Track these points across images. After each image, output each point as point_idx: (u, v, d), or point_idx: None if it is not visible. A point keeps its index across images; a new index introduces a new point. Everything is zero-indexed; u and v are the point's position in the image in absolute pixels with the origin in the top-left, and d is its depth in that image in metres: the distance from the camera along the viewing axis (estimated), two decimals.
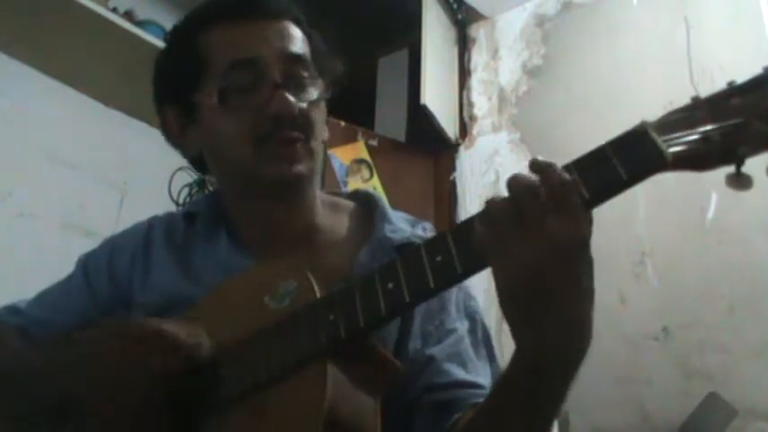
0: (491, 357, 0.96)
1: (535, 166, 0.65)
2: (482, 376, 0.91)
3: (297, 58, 0.96)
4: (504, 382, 0.74)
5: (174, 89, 0.99)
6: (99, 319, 0.98)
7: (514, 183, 0.64)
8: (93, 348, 0.83)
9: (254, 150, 0.92)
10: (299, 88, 0.95)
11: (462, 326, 0.95)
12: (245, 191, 0.99)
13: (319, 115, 0.97)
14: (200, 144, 0.99)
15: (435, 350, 0.90)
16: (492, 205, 0.65)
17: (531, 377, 0.70)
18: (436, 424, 0.86)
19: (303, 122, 0.93)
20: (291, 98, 0.92)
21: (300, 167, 0.93)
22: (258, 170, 0.93)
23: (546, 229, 0.62)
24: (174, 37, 1.02)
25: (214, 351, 0.82)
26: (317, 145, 0.96)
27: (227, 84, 0.92)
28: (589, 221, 0.65)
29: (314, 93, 0.96)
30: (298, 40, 0.97)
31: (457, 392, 0.87)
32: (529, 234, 0.63)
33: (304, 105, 0.93)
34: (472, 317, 0.98)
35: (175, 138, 1.02)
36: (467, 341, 0.94)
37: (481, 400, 0.84)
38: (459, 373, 0.89)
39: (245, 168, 0.94)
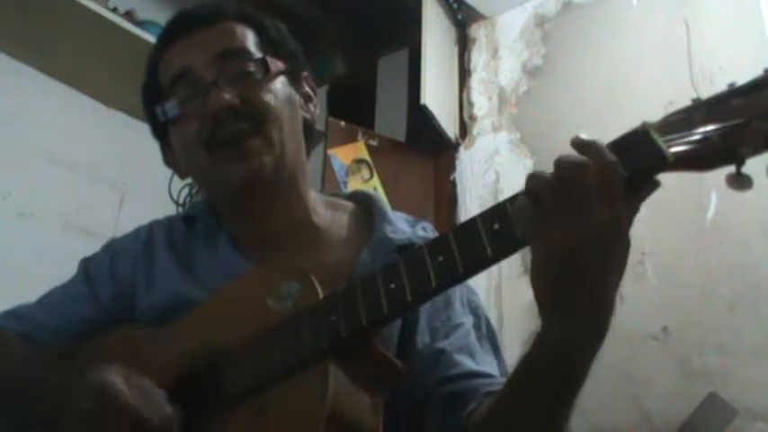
0: (496, 352, 0.97)
1: (579, 143, 0.64)
2: (489, 367, 0.92)
3: (230, 53, 0.96)
4: (528, 363, 0.74)
5: (151, 118, 1.03)
6: (101, 324, 0.98)
7: (563, 163, 0.63)
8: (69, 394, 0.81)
9: (208, 155, 0.94)
10: (239, 79, 0.95)
11: (468, 320, 0.96)
12: (223, 198, 1.01)
13: (275, 97, 0.96)
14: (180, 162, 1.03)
15: (444, 344, 0.91)
16: (537, 184, 0.64)
17: (555, 357, 0.70)
18: (451, 416, 0.86)
19: (249, 111, 0.93)
20: (226, 93, 0.92)
21: (253, 161, 0.93)
22: (218, 175, 0.95)
23: (591, 214, 0.62)
24: (145, 72, 1.06)
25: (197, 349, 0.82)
26: (276, 130, 0.95)
27: (170, 99, 0.96)
28: (634, 209, 0.65)
29: (259, 77, 0.95)
30: (232, 37, 0.98)
31: (470, 383, 0.88)
32: (573, 217, 0.62)
33: (245, 94, 0.93)
34: (476, 312, 0.99)
35: (168, 163, 1.08)
36: (473, 335, 0.95)
37: (494, 388, 0.85)
38: (469, 364, 0.90)
39: (208, 175, 0.97)
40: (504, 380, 0.87)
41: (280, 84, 0.98)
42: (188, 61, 0.96)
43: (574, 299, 0.65)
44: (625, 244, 0.66)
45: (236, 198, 0.98)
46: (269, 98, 0.95)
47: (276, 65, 0.98)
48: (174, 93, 0.97)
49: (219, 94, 0.92)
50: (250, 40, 1.00)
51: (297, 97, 1.02)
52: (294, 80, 1.03)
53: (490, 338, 0.98)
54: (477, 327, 0.97)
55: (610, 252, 0.64)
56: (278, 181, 0.96)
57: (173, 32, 1.01)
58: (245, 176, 0.93)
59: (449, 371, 0.89)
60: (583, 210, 0.62)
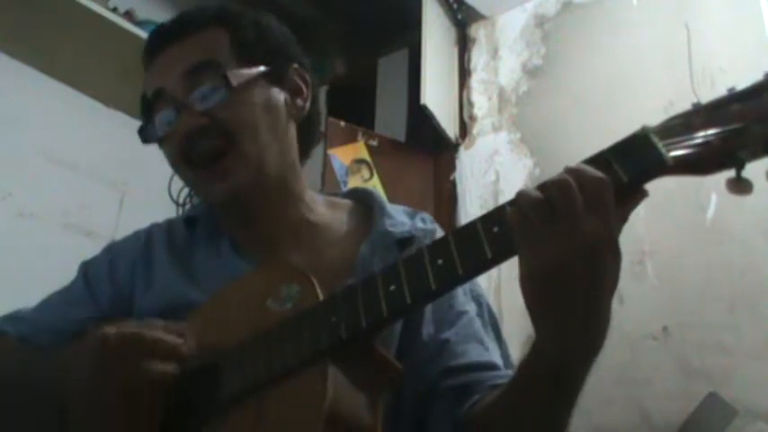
0: (499, 339, 0.98)
1: (566, 168, 0.66)
2: (495, 356, 0.93)
3: (199, 68, 0.95)
4: (524, 370, 0.75)
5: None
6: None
7: (547, 183, 0.65)
8: (74, 359, 0.82)
9: (191, 171, 0.96)
10: (208, 96, 0.93)
11: (471, 308, 0.97)
12: (215, 207, 1.02)
13: (247, 108, 0.95)
14: None
15: (450, 333, 0.92)
16: (524, 200, 0.65)
17: (551, 364, 0.70)
18: (455, 407, 0.86)
19: (219, 129, 0.93)
20: (194, 115, 0.92)
21: (231, 181, 0.93)
22: (202, 192, 0.99)
23: (579, 228, 0.63)
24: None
25: (196, 350, 0.82)
26: (251, 142, 0.94)
27: (153, 119, 0.97)
28: (623, 219, 0.66)
29: (223, 92, 0.93)
30: (201, 50, 0.97)
31: (476, 375, 0.88)
32: (560, 232, 0.63)
33: (213, 112, 0.93)
34: (478, 300, 1.00)
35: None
36: (478, 322, 0.96)
37: (499, 381, 0.85)
38: (476, 353, 0.91)
39: (196, 191, 1.01)
40: (509, 372, 0.88)
41: (255, 90, 0.96)
42: (160, 83, 0.97)
43: (564, 309, 0.66)
44: (617, 255, 0.66)
45: (227, 210, 1.00)
46: (239, 112, 0.94)
47: (244, 75, 0.95)
48: (156, 111, 0.97)
49: (188, 118, 0.93)
50: (222, 48, 0.97)
51: (281, 96, 0.99)
52: (276, 79, 0.99)
53: (493, 326, 0.99)
54: (480, 315, 0.98)
55: (600, 264, 0.64)
56: (263, 188, 0.96)
57: (149, 51, 1.01)
58: (227, 196, 0.94)
59: (453, 361, 0.89)
60: (571, 225, 0.63)
